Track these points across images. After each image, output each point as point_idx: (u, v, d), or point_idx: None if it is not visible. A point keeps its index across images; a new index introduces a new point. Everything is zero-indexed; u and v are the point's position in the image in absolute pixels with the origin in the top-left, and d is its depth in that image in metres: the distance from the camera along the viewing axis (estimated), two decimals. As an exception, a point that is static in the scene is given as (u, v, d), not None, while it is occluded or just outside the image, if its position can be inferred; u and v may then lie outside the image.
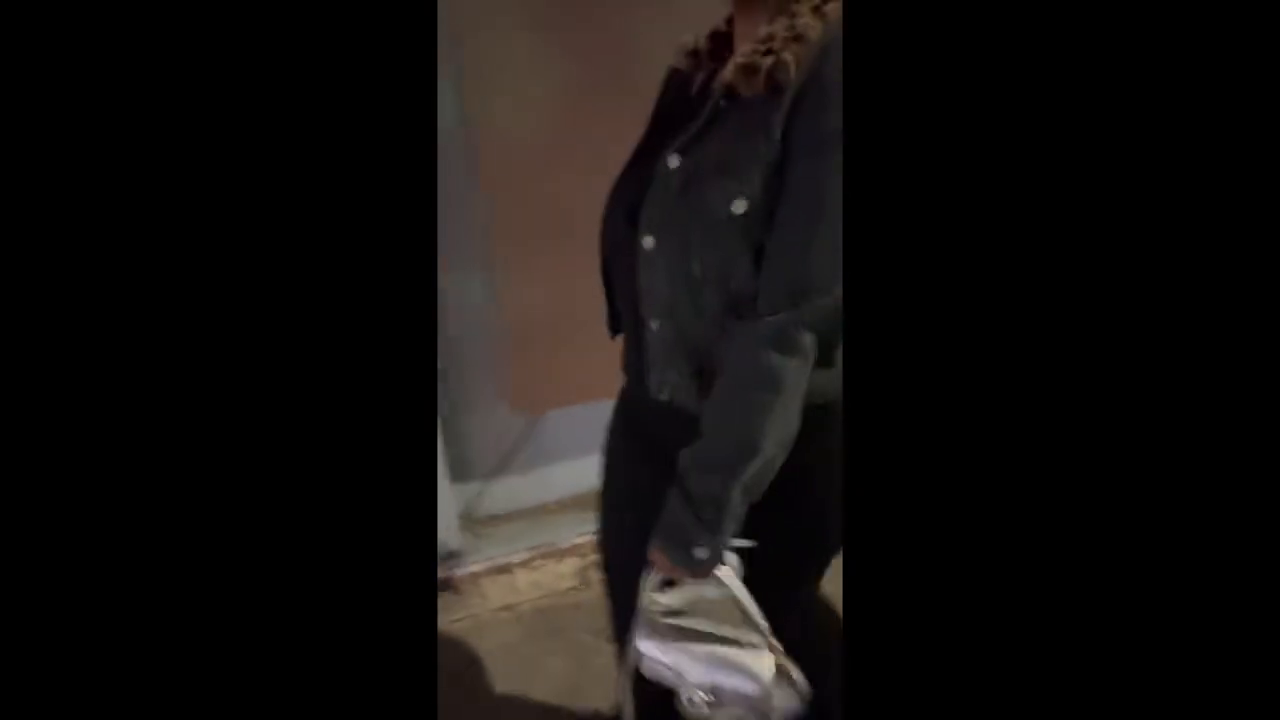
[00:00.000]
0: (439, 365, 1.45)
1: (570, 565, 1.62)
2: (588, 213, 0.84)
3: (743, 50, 0.61)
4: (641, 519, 0.69)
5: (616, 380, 0.94)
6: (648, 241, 0.66)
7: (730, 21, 0.70)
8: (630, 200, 0.69)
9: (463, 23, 1.25)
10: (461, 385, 1.54)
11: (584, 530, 1.64)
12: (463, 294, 1.47)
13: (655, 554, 0.67)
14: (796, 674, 0.68)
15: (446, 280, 1.41)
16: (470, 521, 1.65)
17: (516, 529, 1.66)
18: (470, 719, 1.26)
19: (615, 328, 0.84)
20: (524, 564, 1.60)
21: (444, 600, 1.49)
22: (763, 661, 0.67)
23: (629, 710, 0.76)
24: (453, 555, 1.55)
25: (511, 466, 1.68)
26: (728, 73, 0.61)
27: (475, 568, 1.56)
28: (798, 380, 0.60)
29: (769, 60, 0.57)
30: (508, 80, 1.30)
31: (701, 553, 0.63)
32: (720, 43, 0.72)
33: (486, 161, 1.34)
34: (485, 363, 1.51)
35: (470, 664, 1.38)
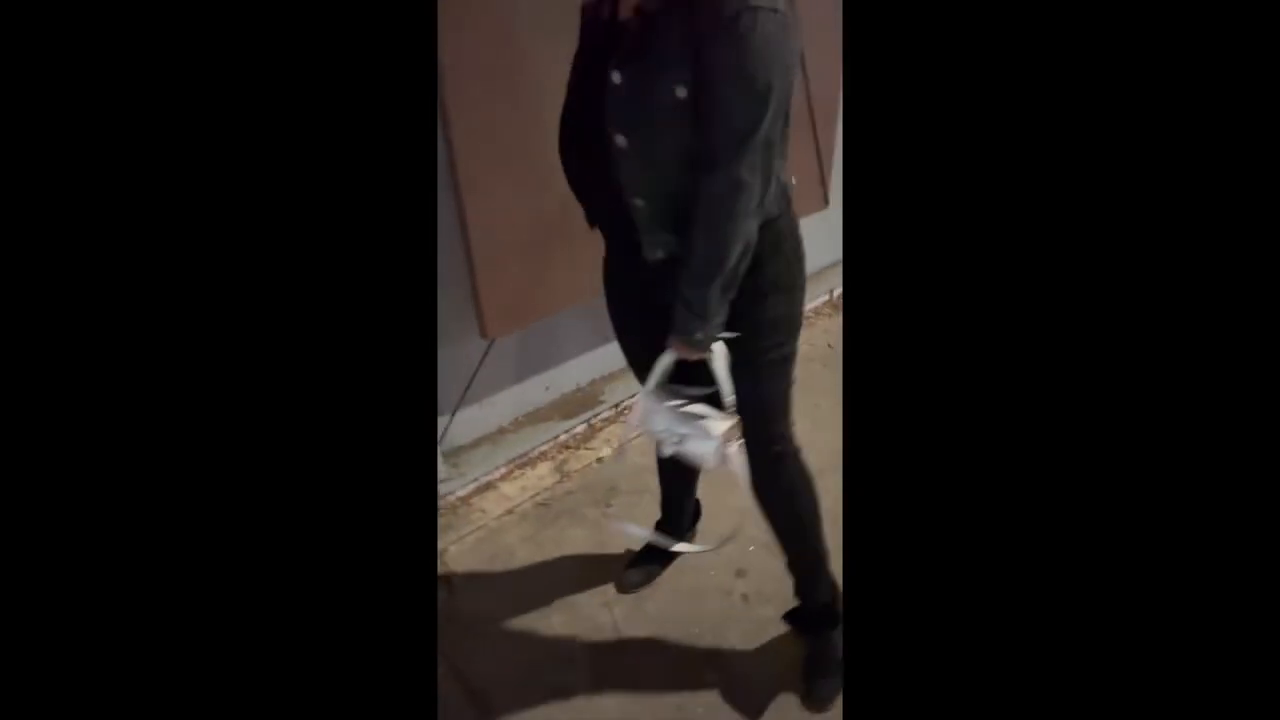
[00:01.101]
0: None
1: (545, 468, 1.81)
2: (544, 137, 0.98)
3: None
4: (652, 327, 0.97)
5: (574, 290, 1.12)
6: (620, 140, 0.84)
7: None
8: (591, 113, 0.86)
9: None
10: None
11: (542, 439, 1.83)
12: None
13: (671, 341, 0.95)
14: (738, 433, 1.03)
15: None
16: (446, 453, 1.77)
17: (484, 452, 1.81)
18: (534, 582, 1.46)
19: (592, 221, 1.02)
20: (504, 478, 1.77)
21: (448, 521, 1.64)
22: (720, 424, 0.98)
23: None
24: (440, 483, 1.69)
25: (468, 397, 1.81)
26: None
27: (462, 492, 1.71)
28: (747, 205, 0.84)
29: None
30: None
31: (699, 335, 0.92)
32: None
33: (449, 91, 1.34)
34: (449, 292, 1.52)
35: (506, 553, 1.56)
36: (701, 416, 0.99)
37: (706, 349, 0.95)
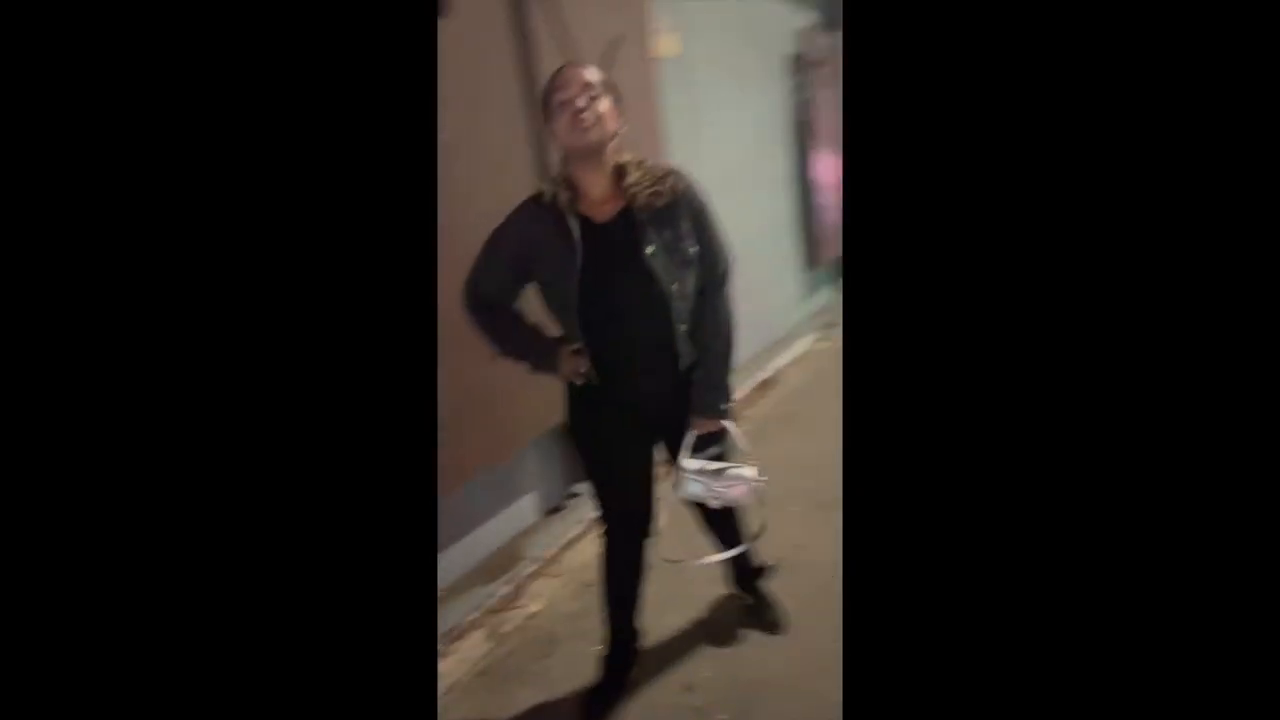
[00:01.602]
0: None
1: (477, 636, 1.82)
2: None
3: (635, 187, 1.19)
4: (645, 439, 1.37)
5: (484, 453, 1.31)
6: (658, 290, 1.20)
7: (569, 180, 1.20)
8: (621, 275, 1.19)
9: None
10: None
11: (470, 608, 1.86)
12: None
13: (698, 421, 1.30)
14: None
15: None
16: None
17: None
18: None
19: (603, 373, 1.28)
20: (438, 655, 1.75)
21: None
22: (749, 471, 1.32)
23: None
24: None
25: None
26: (643, 199, 1.19)
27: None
28: (730, 311, 1.31)
29: (663, 187, 1.20)
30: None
31: (724, 406, 1.31)
32: (575, 188, 1.21)
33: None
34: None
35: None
36: (733, 467, 1.31)
37: (727, 416, 1.32)
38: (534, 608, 1.88)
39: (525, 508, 2.17)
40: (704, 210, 1.26)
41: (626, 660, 1.57)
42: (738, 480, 1.30)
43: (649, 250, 1.18)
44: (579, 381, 1.27)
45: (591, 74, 1.16)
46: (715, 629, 1.68)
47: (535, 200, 1.22)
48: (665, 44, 2.64)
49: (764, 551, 1.92)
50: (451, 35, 1.63)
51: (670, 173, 1.22)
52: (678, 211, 1.21)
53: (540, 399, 1.98)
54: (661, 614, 1.68)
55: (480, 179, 1.75)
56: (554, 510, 2.26)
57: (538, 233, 1.20)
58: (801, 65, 3.98)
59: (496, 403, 1.84)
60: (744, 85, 3.42)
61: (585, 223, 1.19)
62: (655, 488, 1.42)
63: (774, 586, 1.74)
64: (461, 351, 1.74)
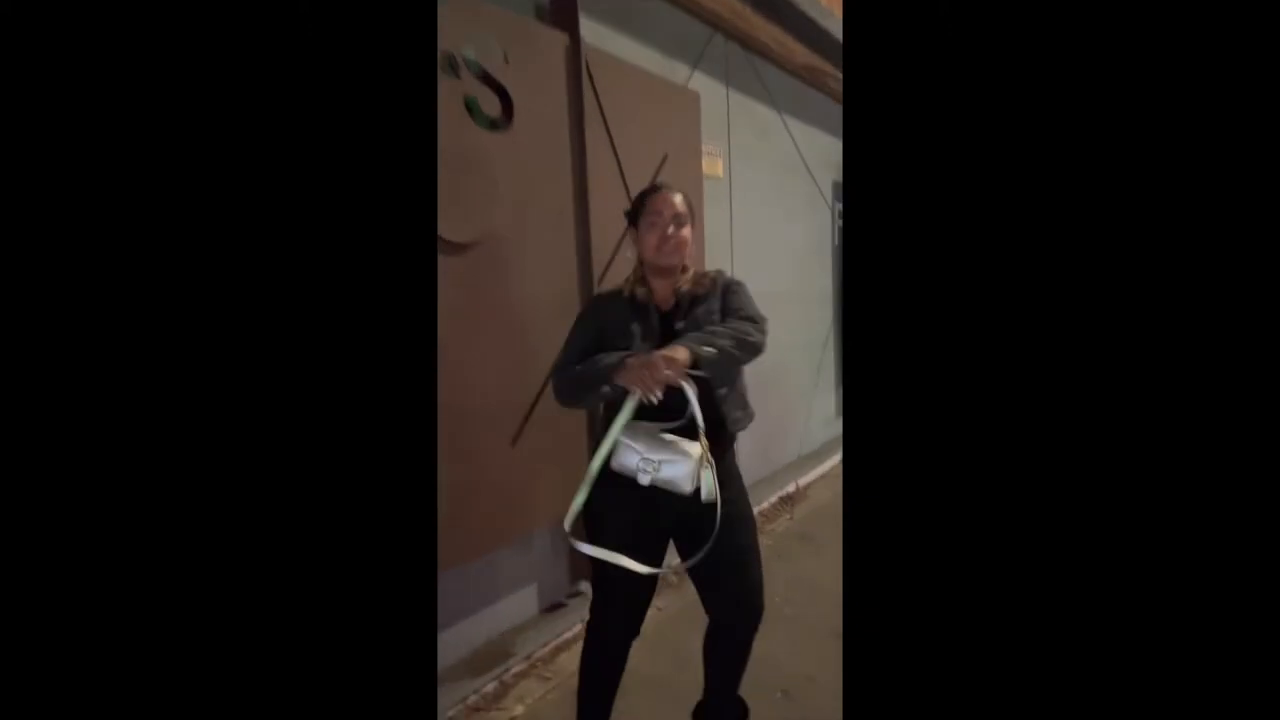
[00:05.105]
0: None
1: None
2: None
3: (689, 283, 1.37)
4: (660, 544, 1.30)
5: (484, 540, 1.27)
6: (709, 352, 1.24)
7: (644, 280, 1.37)
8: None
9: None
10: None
11: (449, 703, 1.76)
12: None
13: (673, 346, 1.19)
14: (711, 460, 1.17)
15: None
16: None
17: None
18: None
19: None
20: None
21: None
22: (695, 446, 1.14)
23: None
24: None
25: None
26: (688, 289, 1.36)
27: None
28: (761, 341, 1.30)
29: (706, 282, 1.37)
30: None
31: (705, 352, 1.18)
32: (649, 286, 1.37)
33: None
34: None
35: None
36: (677, 442, 1.15)
37: (695, 364, 1.17)
38: (517, 710, 1.77)
39: (524, 600, 2.09)
40: (739, 285, 1.40)
41: None
42: (681, 457, 1.13)
43: (678, 325, 1.33)
44: (641, 394, 1.16)
45: (681, 203, 1.35)
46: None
47: (617, 293, 1.40)
48: (711, 166, 2.82)
49: (770, 679, 1.78)
50: (512, 141, 1.79)
51: (718, 271, 1.43)
52: (714, 293, 1.38)
53: (554, 484, 1.97)
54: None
55: (535, 268, 1.85)
56: (554, 607, 2.17)
57: (617, 314, 1.36)
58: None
59: (510, 484, 1.84)
60: (790, 209, 3.59)
61: (655, 310, 1.37)
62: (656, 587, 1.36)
63: (779, 717, 1.60)
64: (478, 434, 1.78)
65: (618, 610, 1.37)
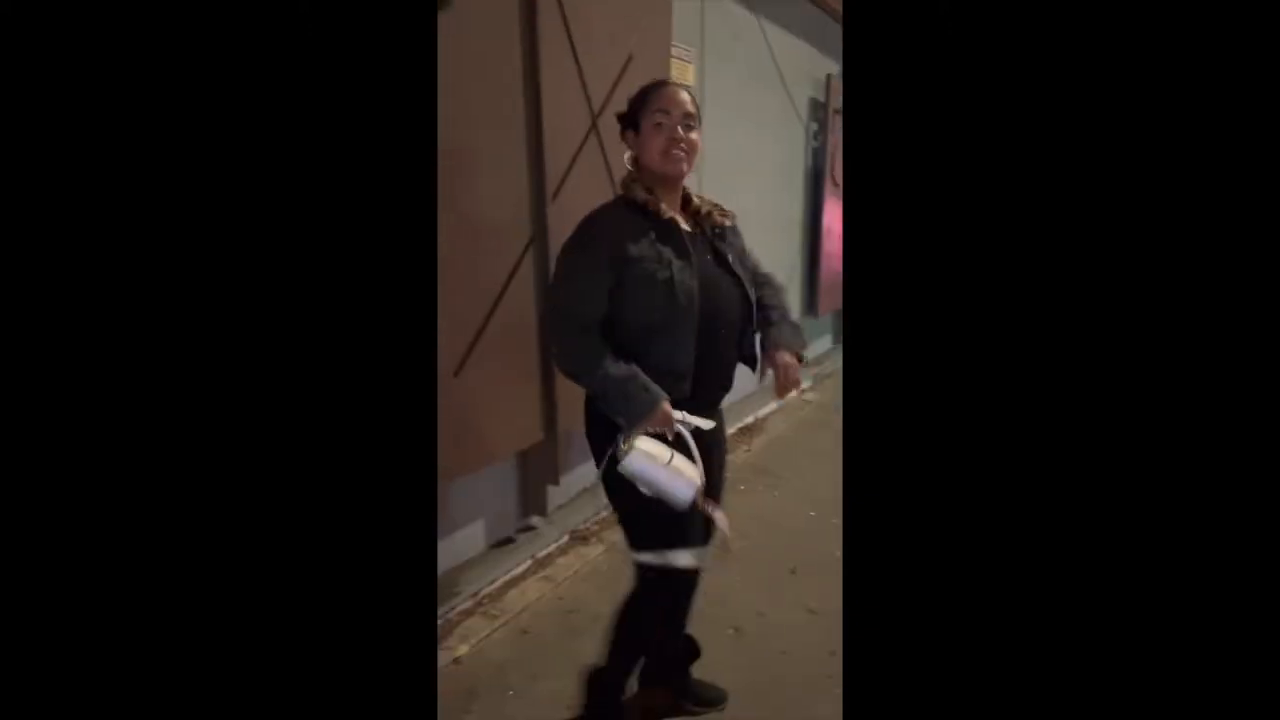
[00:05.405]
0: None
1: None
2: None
3: (703, 208, 1.25)
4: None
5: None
6: (745, 294, 1.23)
7: (650, 190, 1.18)
8: (725, 276, 1.21)
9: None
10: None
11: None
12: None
13: (780, 354, 1.24)
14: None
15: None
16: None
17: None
18: None
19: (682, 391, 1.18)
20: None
21: None
22: (692, 471, 1.12)
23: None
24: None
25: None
26: (715, 219, 1.25)
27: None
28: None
29: (723, 214, 1.27)
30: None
31: (802, 352, 1.27)
32: (656, 197, 1.19)
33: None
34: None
35: None
36: (681, 461, 1.12)
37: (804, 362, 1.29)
38: (460, 650, 1.71)
39: (471, 535, 2.00)
40: (737, 233, 1.32)
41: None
42: (679, 477, 1.10)
43: (730, 259, 1.23)
44: (669, 434, 1.13)
45: (690, 102, 1.17)
46: None
47: (625, 201, 1.18)
48: (681, 71, 2.56)
49: (721, 616, 1.76)
50: (453, 31, 1.52)
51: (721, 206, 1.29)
52: (737, 235, 1.30)
53: (502, 418, 1.84)
54: None
55: (480, 181, 1.63)
56: (503, 542, 2.09)
57: (634, 226, 1.15)
58: (822, 111, 3.93)
59: (451, 418, 1.69)
60: (761, 123, 3.35)
61: (678, 225, 1.18)
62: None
63: (730, 655, 1.58)
64: (442, 358, 1.61)
65: (699, 534, 1.23)
